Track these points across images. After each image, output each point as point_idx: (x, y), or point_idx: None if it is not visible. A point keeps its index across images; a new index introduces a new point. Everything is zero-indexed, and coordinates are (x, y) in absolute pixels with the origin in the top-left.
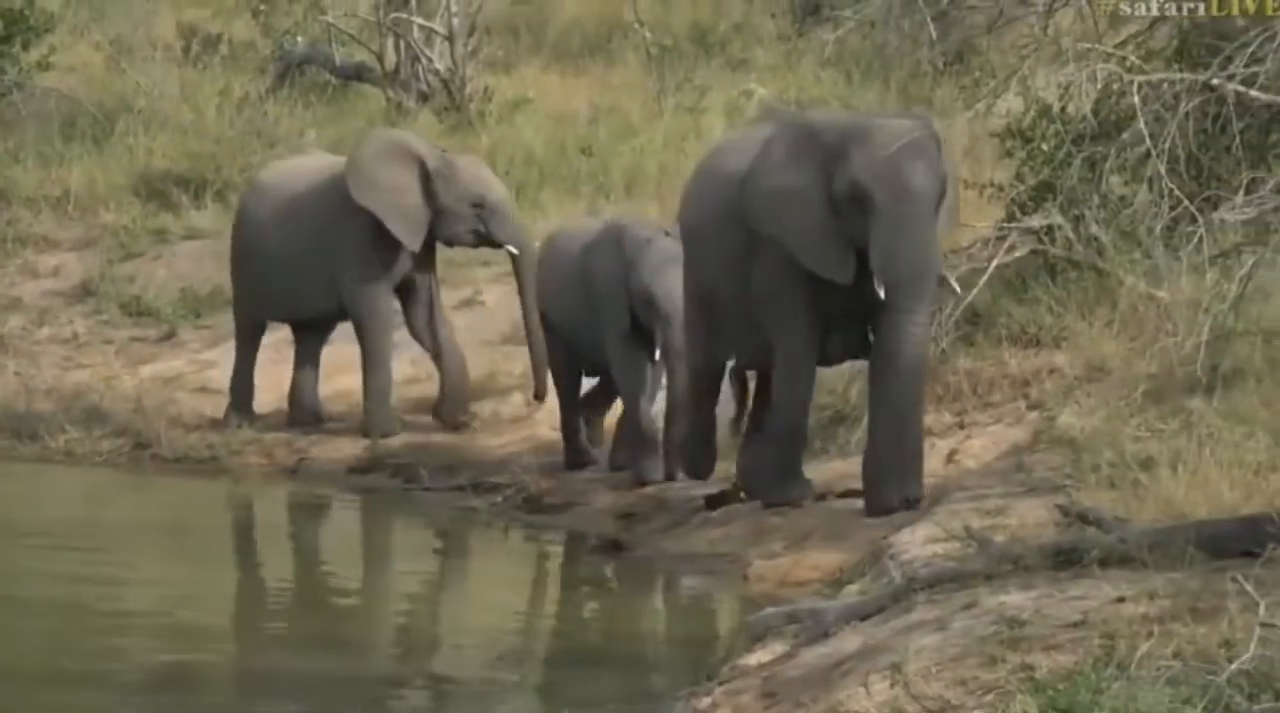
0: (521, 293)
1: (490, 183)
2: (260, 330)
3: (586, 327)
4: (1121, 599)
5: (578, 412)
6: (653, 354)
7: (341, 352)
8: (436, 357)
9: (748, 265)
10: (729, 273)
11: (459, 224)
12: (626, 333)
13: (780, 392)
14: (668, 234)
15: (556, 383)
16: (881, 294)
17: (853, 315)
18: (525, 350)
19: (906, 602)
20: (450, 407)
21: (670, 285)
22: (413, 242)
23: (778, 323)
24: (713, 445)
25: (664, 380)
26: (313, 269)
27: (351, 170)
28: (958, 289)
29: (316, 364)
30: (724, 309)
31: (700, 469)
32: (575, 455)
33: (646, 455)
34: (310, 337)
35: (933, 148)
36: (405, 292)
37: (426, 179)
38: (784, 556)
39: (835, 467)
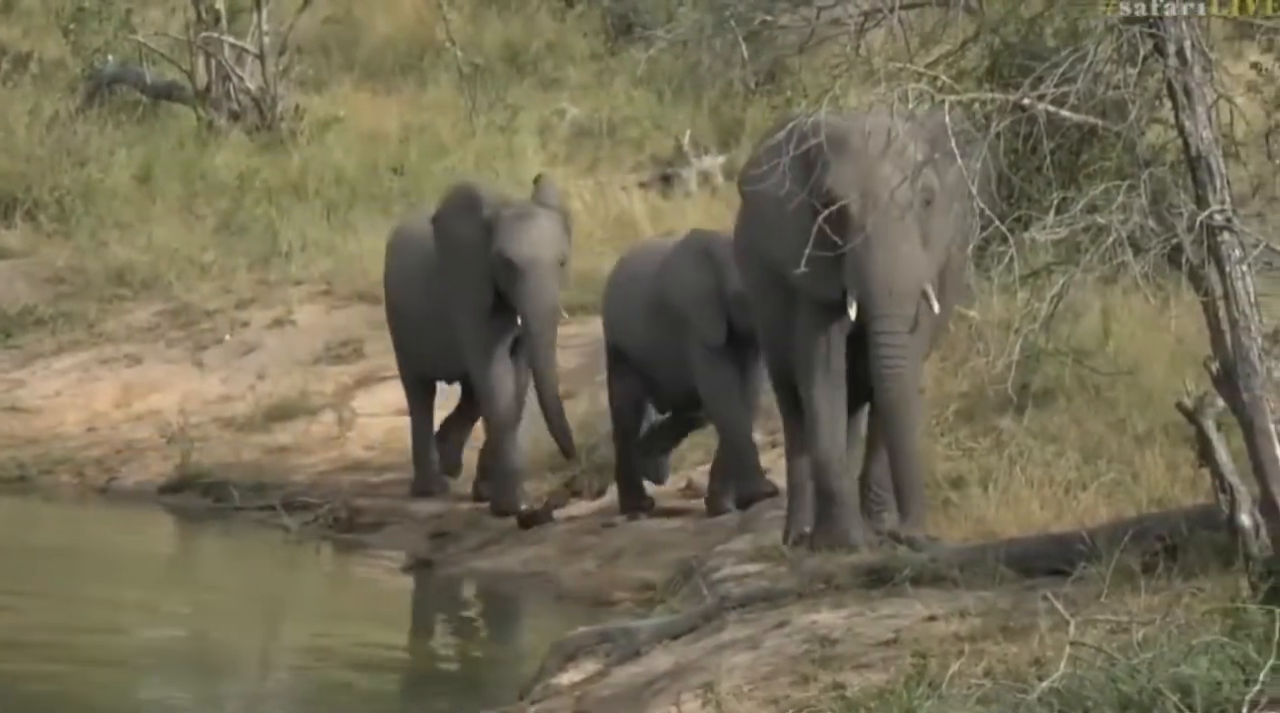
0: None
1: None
2: (429, 388)
3: (667, 352)
4: (933, 618)
5: (636, 452)
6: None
7: (152, 370)
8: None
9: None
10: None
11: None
12: (722, 348)
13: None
14: None
15: (618, 421)
16: (853, 313)
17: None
18: (337, 370)
19: (718, 621)
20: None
21: None
22: None
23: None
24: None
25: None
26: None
27: None
28: (935, 306)
29: (470, 420)
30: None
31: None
32: (633, 500)
33: (746, 476)
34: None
35: (911, 149)
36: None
37: None
38: (596, 574)
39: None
